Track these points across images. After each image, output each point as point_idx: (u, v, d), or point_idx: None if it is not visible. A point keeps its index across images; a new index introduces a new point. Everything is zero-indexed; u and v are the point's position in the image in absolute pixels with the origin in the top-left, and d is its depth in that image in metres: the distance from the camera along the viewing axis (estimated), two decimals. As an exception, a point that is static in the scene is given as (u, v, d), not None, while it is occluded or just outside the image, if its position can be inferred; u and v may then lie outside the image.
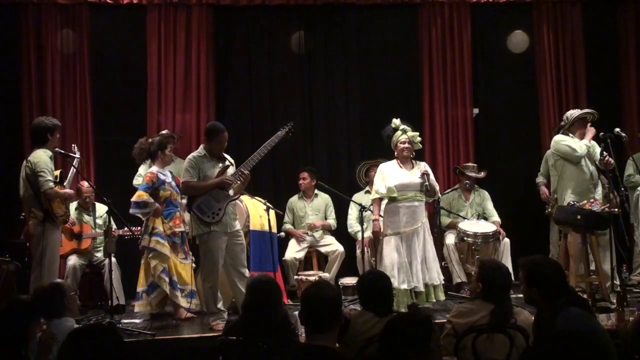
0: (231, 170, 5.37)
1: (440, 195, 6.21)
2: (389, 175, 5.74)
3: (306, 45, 7.54)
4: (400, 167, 5.78)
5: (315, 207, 7.09)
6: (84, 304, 6.30)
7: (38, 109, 7.00)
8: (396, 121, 5.82)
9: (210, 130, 5.39)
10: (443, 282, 5.90)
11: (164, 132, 6.92)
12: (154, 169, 5.73)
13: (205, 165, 5.30)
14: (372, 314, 3.43)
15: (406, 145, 5.74)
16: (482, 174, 7.02)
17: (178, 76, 7.23)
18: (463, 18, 7.60)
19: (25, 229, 5.44)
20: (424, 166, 5.86)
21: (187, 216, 5.73)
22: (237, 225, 5.48)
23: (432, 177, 5.80)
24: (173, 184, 5.82)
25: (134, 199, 5.58)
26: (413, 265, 5.61)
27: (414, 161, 5.85)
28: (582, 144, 5.88)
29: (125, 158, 6.14)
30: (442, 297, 5.78)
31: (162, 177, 5.72)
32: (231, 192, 5.35)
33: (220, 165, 5.37)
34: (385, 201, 5.82)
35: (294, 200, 7.15)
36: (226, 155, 5.45)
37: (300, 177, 7.06)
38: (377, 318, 3.39)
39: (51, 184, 5.25)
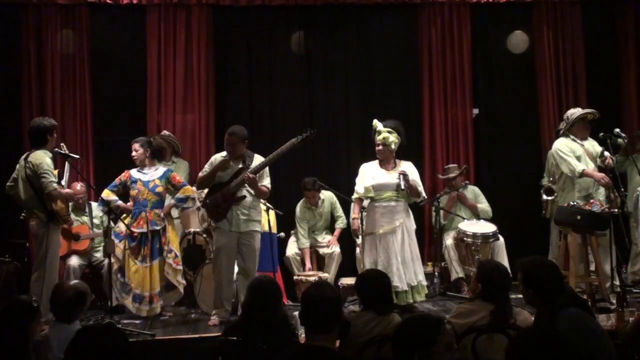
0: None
1: (425, 196, 6.01)
2: (367, 175, 5.82)
3: (306, 45, 7.53)
4: (380, 167, 5.81)
5: (322, 213, 7.05)
6: (84, 303, 6.29)
7: (38, 109, 7.00)
8: (374, 122, 5.83)
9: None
10: (426, 283, 5.81)
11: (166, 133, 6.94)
12: (134, 168, 5.86)
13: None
14: (372, 314, 3.43)
15: (379, 147, 5.77)
16: (462, 169, 6.99)
17: (178, 76, 7.23)
18: (463, 18, 7.60)
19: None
20: (407, 166, 5.82)
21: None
22: (252, 227, 5.51)
23: (412, 177, 5.71)
24: (154, 183, 5.77)
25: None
26: (393, 265, 5.58)
27: (397, 161, 5.84)
28: (577, 168, 5.84)
29: (124, 158, 6.14)
30: (418, 298, 5.68)
31: (136, 175, 5.81)
32: (245, 192, 5.46)
33: (239, 166, 5.50)
34: (368, 200, 5.86)
35: (301, 210, 6.98)
36: (257, 156, 5.57)
37: (309, 197, 6.90)
38: (377, 319, 3.40)
39: (55, 185, 5.26)
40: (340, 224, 7.01)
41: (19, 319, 3.38)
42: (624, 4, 7.83)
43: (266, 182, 5.57)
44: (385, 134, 5.73)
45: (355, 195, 5.95)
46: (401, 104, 7.62)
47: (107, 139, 7.23)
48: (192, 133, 7.26)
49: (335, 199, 7.10)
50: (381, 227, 5.68)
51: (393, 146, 5.76)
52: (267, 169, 5.55)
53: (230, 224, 5.43)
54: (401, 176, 5.61)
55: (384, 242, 5.66)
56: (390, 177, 5.70)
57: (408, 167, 5.83)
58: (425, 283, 5.80)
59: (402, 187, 5.60)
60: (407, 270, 5.62)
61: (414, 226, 5.90)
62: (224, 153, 5.58)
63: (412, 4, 7.67)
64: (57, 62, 7.08)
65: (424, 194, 5.92)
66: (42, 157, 5.30)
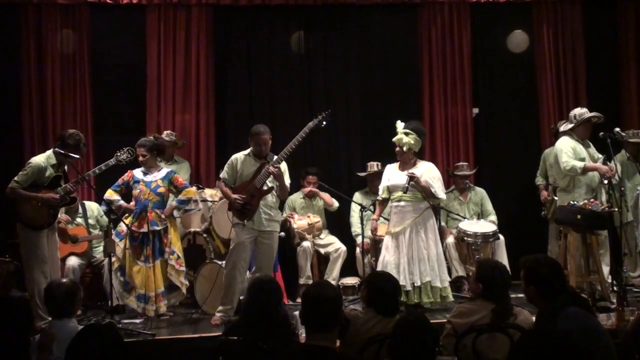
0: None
1: (443, 198, 5.96)
2: (385, 176, 5.92)
3: (306, 45, 7.54)
4: (398, 168, 5.85)
5: (316, 206, 7.05)
6: (84, 304, 6.26)
7: (38, 109, 7.01)
8: (397, 123, 5.83)
9: (250, 132, 5.66)
10: (441, 285, 5.66)
11: (166, 132, 6.91)
12: (138, 169, 5.85)
13: (246, 164, 5.59)
14: (373, 313, 3.43)
15: (396, 148, 5.80)
16: (472, 171, 6.98)
17: (178, 76, 7.23)
18: (463, 18, 7.60)
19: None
20: (425, 166, 5.80)
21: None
22: (272, 227, 5.58)
23: (425, 178, 5.65)
24: (156, 183, 5.77)
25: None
26: (401, 264, 5.61)
27: (418, 161, 5.84)
28: (577, 165, 5.80)
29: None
30: (426, 299, 5.59)
31: (138, 176, 5.82)
32: (266, 187, 5.53)
33: (260, 162, 5.56)
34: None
35: (295, 197, 7.02)
36: (276, 157, 5.59)
37: (309, 181, 6.93)
38: (377, 318, 3.40)
39: (14, 185, 5.24)
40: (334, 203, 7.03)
41: (14, 317, 3.36)
42: (624, 4, 7.83)
43: (287, 180, 5.63)
44: (400, 135, 5.74)
45: (377, 198, 6.04)
46: (401, 104, 7.60)
47: (107, 139, 7.22)
48: (192, 133, 7.25)
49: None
50: (393, 227, 5.73)
51: (407, 147, 5.72)
52: (287, 169, 5.62)
53: (253, 222, 5.48)
54: (408, 177, 5.62)
55: (395, 241, 5.70)
56: (401, 178, 5.72)
57: (425, 167, 5.80)
58: (438, 285, 5.63)
59: (403, 188, 5.61)
60: (413, 270, 5.61)
61: (433, 226, 5.77)
62: (246, 152, 5.62)
63: (412, 4, 7.67)
64: (57, 62, 7.08)
65: (441, 195, 5.78)
66: (37, 158, 5.38)
